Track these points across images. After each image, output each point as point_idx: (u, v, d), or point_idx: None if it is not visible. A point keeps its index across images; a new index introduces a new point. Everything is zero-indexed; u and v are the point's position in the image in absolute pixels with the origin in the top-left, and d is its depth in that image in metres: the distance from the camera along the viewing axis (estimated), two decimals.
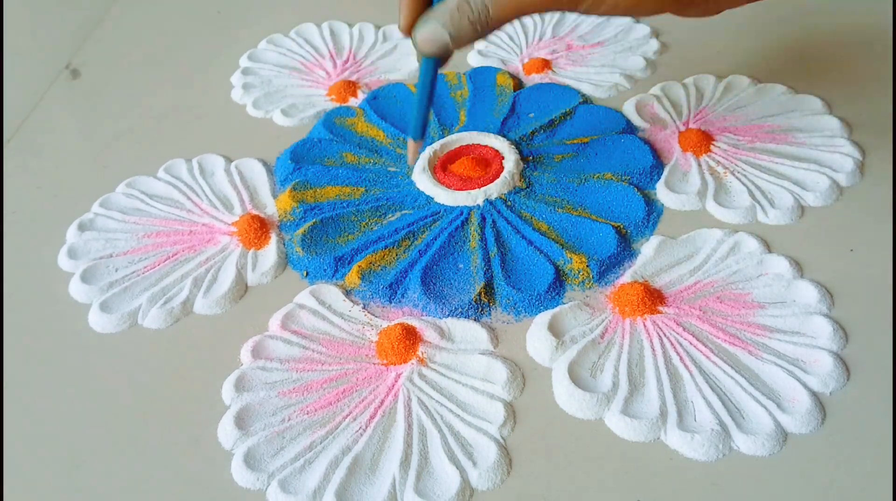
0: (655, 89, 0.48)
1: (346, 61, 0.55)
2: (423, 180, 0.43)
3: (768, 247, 0.38)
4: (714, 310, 0.35)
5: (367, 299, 0.38)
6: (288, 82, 0.53)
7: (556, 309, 0.36)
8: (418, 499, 0.29)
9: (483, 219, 0.40)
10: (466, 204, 0.41)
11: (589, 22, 0.55)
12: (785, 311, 0.35)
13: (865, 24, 0.52)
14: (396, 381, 0.34)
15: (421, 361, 0.34)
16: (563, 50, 0.53)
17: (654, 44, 0.52)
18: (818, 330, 0.34)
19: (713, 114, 0.46)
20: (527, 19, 0.56)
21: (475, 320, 0.36)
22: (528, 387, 0.33)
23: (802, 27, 0.52)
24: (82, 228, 0.43)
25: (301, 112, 0.50)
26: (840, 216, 0.39)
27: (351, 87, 0.51)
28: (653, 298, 0.35)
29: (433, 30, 0.33)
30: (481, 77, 0.51)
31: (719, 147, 0.44)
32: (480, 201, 0.41)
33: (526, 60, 0.52)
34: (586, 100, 0.48)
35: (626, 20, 0.54)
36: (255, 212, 0.43)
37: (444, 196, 0.42)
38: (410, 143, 0.38)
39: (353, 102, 0.50)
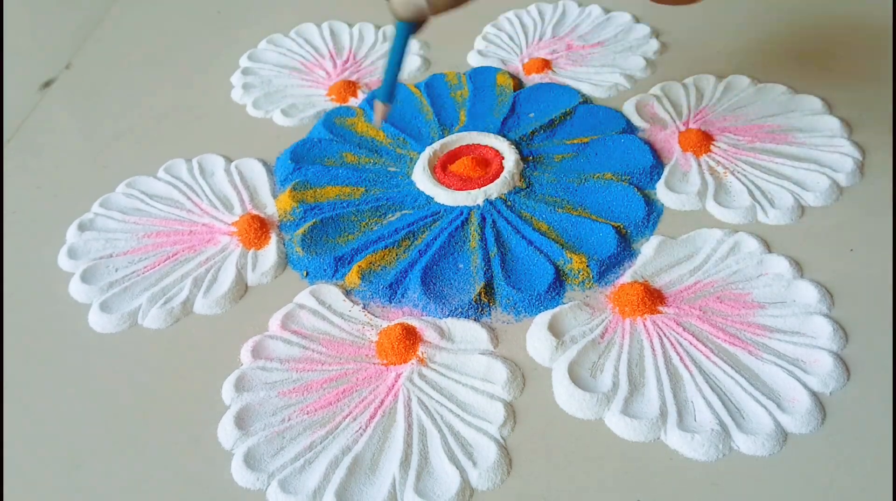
0: (655, 89, 0.48)
1: (346, 61, 0.55)
2: (423, 180, 0.43)
3: (768, 247, 0.38)
4: (714, 310, 0.35)
5: (367, 299, 0.38)
6: (288, 82, 0.53)
7: (556, 309, 0.36)
8: (418, 499, 0.29)
9: (483, 219, 0.40)
10: (466, 204, 0.41)
11: (589, 22, 0.55)
12: (785, 311, 0.35)
13: (865, 25, 0.52)
14: (396, 381, 0.34)
15: (421, 361, 0.34)
16: (563, 50, 0.53)
17: (654, 44, 0.52)
18: (818, 330, 0.34)
19: (713, 114, 0.46)
20: (527, 19, 0.56)
21: (475, 320, 0.36)
22: (528, 387, 0.33)
23: (802, 27, 0.52)
24: (82, 228, 0.43)
25: (301, 112, 0.50)
26: (840, 216, 0.39)
27: (351, 87, 0.51)
28: (653, 298, 0.35)
29: None
30: (481, 77, 0.51)
31: (719, 147, 0.44)
32: (480, 201, 0.41)
33: (526, 60, 0.52)
34: (586, 100, 0.48)
35: (627, 20, 0.54)
36: (255, 212, 0.43)
37: (444, 196, 0.42)
38: (377, 104, 0.38)
39: (353, 102, 0.50)
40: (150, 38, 0.61)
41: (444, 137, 0.46)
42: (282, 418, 0.33)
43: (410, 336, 0.35)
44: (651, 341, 0.34)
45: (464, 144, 0.45)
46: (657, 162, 0.43)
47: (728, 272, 0.37)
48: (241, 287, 0.39)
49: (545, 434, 0.31)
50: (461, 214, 0.41)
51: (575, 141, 0.45)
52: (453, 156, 0.44)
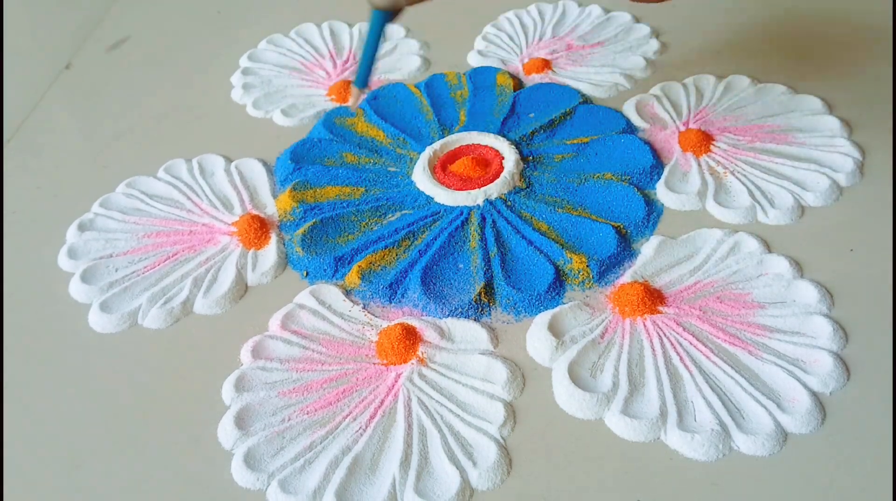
0: (655, 89, 0.48)
1: (346, 61, 0.55)
2: (423, 180, 0.43)
3: (768, 247, 0.38)
4: (714, 310, 0.35)
5: (367, 299, 0.38)
6: (288, 82, 0.53)
7: (556, 309, 0.36)
8: (418, 499, 0.29)
9: (483, 219, 0.40)
10: (466, 204, 0.41)
11: (589, 22, 0.55)
12: (785, 311, 0.35)
13: (866, 25, 0.52)
14: (396, 381, 0.34)
15: (421, 361, 0.34)
16: (563, 50, 0.53)
17: (654, 44, 0.52)
18: (818, 330, 0.34)
19: (713, 114, 0.46)
20: (527, 19, 0.56)
21: (475, 320, 0.36)
22: (528, 387, 0.33)
23: (803, 27, 0.52)
24: (82, 228, 0.43)
25: (301, 112, 0.50)
26: (840, 216, 0.39)
27: (350, 86, 0.51)
28: (653, 298, 0.35)
29: None
30: (481, 77, 0.51)
31: (719, 147, 0.44)
32: (480, 201, 0.41)
33: (526, 60, 0.52)
34: (586, 100, 0.48)
35: (627, 20, 0.54)
36: (255, 212, 0.43)
37: (444, 196, 0.42)
38: (353, 89, 0.39)
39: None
40: (150, 38, 0.61)
41: (444, 137, 0.46)
42: (282, 418, 0.33)
43: (410, 336, 0.35)
44: (651, 341, 0.34)
45: (464, 144, 0.45)
46: (657, 162, 0.43)
47: (728, 272, 0.37)
48: (241, 287, 0.39)
49: (545, 434, 0.31)
50: (461, 214, 0.41)
51: (575, 141, 0.45)
52: (453, 156, 0.44)
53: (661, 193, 0.41)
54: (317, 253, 0.39)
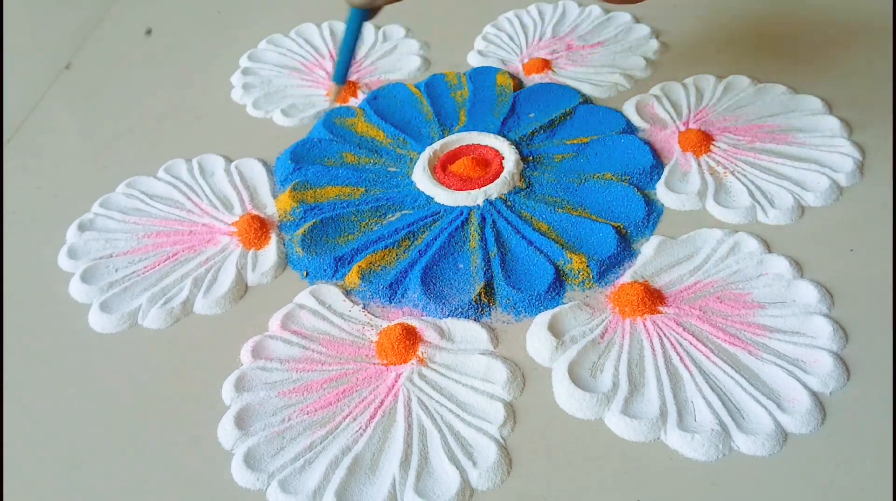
0: (655, 89, 0.48)
1: None
2: (423, 180, 0.43)
3: (768, 247, 0.38)
4: (714, 310, 0.35)
5: (367, 299, 0.38)
6: (288, 82, 0.53)
7: (556, 309, 0.36)
8: (418, 499, 0.29)
9: (483, 219, 0.40)
10: (466, 204, 0.41)
11: (589, 22, 0.55)
12: (785, 311, 0.35)
13: (866, 25, 0.52)
14: (396, 381, 0.34)
15: (421, 361, 0.34)
16: (563, 50, 0.53)
17: (654, 44, 0.52)
18: (818, 330, 0.34)
19: (713, 114, 0.46)
20: (527, 19, 0.56)
21: (475, 320, 0.36)
22: (528, 387, 0.33)
23: (803, 27, 0.52)
24: (82, 228, 0.43)
25: (301, 112, 0.50)
26: (840, 216, 0.39)
27: (351, 87, 0.51)
28: (653, 298, 0.35)
29: None
30: (481, 77, 0.51)
31: (719, 147, 0.44)
32: (480, 201, 0.41)
33: (526, 60, 0.52)
34: (586, 100, 0.48)
35: (627, 20, 0.54)
36: (255, 212, 0.43)
37: (444, 196, 0.42)
38: (332, 85, 0.40)
39: (353, 102, 0.50)
40: (150, 38, 0.61)
41: (444, 138, 0.46)
42: (282, 418, 0.33)
43: (410, 336, 0.35)
44: (651, 341, 0.34)
45: (464, 144, 0.45)
46: (657, 162, 0.43)
47: (728, 272, 0.37)
48: (241, 287, 0.39)
49: (545, 434, 0.31)
50: (461, 214, 0.41)
51: (575, 141, 0.45)
52: (453, 156, 0.44)
53: (661, 193, 0.41)
54: (317, 253, 0.39)
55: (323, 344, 0.36)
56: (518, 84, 0.50)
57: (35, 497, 0.31)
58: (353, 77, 0.53)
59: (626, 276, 0.37)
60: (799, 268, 0.37)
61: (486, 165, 0.43)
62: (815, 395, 0.31)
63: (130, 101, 0.54)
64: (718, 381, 0.32)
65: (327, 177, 0.44)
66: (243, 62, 0.56)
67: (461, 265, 0.38)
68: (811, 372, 0.32)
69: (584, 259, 0.37)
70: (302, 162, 0.45)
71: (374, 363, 0.35)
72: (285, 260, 0.40)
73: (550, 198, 0.42)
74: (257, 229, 0.41)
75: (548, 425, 0.32)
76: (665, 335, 0.34)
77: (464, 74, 0.51)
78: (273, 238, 0.41)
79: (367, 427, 0.32)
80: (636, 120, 0.46)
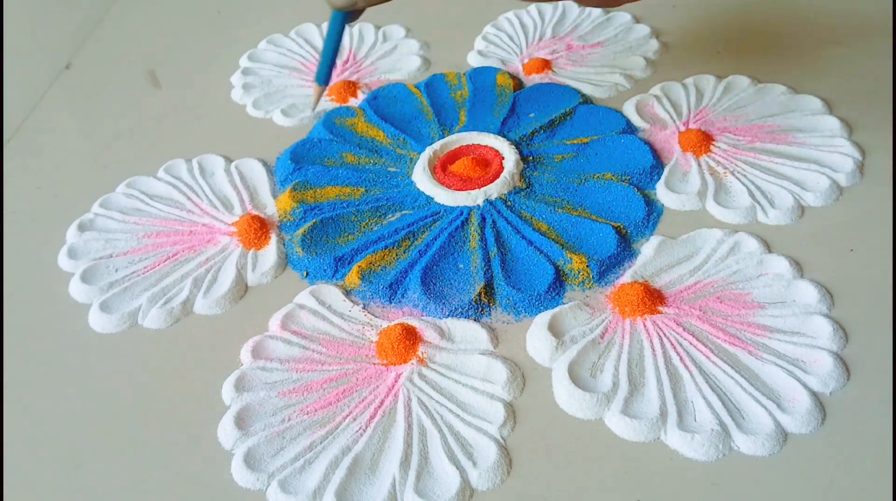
0: (655, 89, 0.48)
1: (346, 61, 0.55)
2: (423, 181, 0.43)
3: (768, 247, 0.38)
4: (714, 310, 0.35)
5: (367, 300, 0.38)
6: (288, 82, 0.53)
7: (556, 309, 0.36)
8: (418, 499, 0.29)
9: (483, 219, 0.40)
10: (466, 204, 0.41)
11: (589, 21, 0.55)
12: (785, 311, 0.35)
13: (866, 25, 0.52)
14: (396, 381, 0.34)
15: (421, 361, 0.34)
16: (563, 50, 0.53)
17: (654, 44, 0.52)
18: (818, 330, 0.34)
19: (713, 114, 0.46)
20: (527, 19, 0.56)
21: (475, 320, 0.36)
22: (528, 387, 0.33)
23: (803, 28, 0.52)
24: (82, 228, 0.43)
25: (301, 112, 0.50)
26: (840, 216, 0.39)
27: (351, 87, 0.51)
28: (653, 298, 0.35)
29: None
30: (481, 77, 0.51)
31: (719, 147, 0.44)
32: (480, 202, 0.41)
33: (526, 60, 0.52)
34: (586, 100, 0.48)
35: (627, 20, 0.54)
36: (255, 212, 0.43)
37: (444, 196, 0.42)
38: (315, 87, 0.40)
39: (353, 102, 0.50)
40: (150, 39, 0.61)
41: (444, 138, 0.46)
42: (282, 418, 0.33)
43: (410, 336, 0.35)
44: (651, 341, 0.34)
45: (464, 144, 0.45)
46: (657, 162, 0.43)
47: (728, 272, 0.37)
48: (241, 287, 0.39)
49: (545, 434, 0.31)
50: (461, 214, 0.41)
51: (575, 141, 0.45)
52: (453, 156, 0.44)
53: (661, 193, 0.41)
54: (317, 253, 0.39)
55: (323, 344, 0.36)
56: (518, 84, 0.50)
57: (35, 497, 0.31)
58: (353, 77, 0.53)
59: (626, 276, 0.37)
60: (799, 268, 0.37)
61: (486, 166, 0.43)
62: (815, 395, 0.31)
63: (130, 101, 0.54)
64: (718, 381, 0.32)
65: (327, 177, 0.44)
66: (243, 62, 0.56)
67: (461, 265, 0.38)
68: (811, 372, 0.32)
69: (584, 259, 0.37)
70: (302, 162, 0.45)
71: (374, 363, 0.35)
72: (285, 260, 0.40)
73: (550, 198, 0.42)
74: (257, 229, 0.41)
75: (548, 425, 0.32)
76: (665, 335, 0.34)
77: (464, 74, 0.51)
78: (273, 238, 0.41)
79: (367, 427, 0.32)
80: (636, 120, 0.46)
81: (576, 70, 0.51)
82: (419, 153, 0.45)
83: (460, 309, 0.36)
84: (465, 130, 0.46)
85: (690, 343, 0.34)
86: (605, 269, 0.37)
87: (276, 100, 0.52)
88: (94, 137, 0.51)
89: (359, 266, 0.38)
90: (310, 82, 0.53)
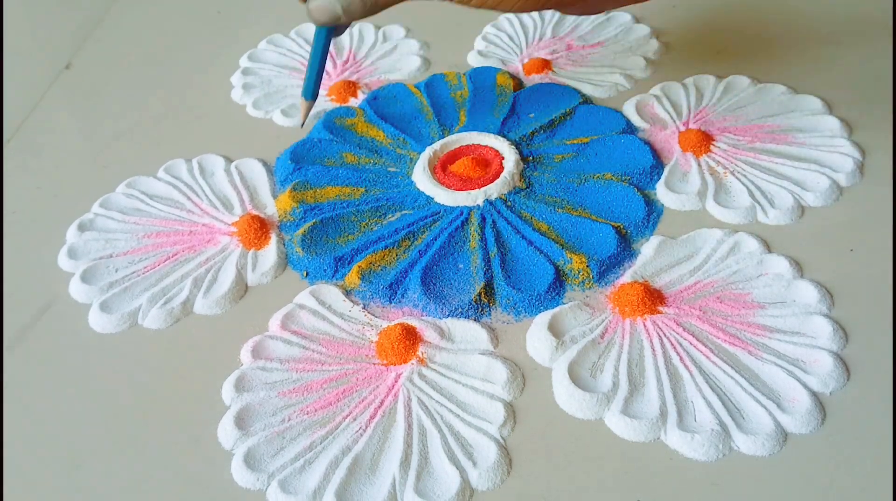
0: (655, 89, 0.48)
1: (346, 61, 0.55)
2: (423, 181, 0.43)
3: (768, 247, 0.38)
4: (714, 310, 0.35)
5: (367, 300, 0.38)
6: (288, 82, 0.53)
7: (556, 309, 0.36)
8: (418, 499, 0.29)
9: (483, 219, 0.40)
10: (466, 204, 0.41)
11: (589, 22, 0.55)
12: (785, 311, 0.35)
13: (866, 25, 0.52)
14: (396, 381, 0.34)
15: (421, 361, 0.34)
16: (563, 50, 0.53)
17: (654, 44, 0.52)
18: (818, 330, 0.34)
19: (713, 114, 0.46)
20: (527, 19, 0.56)
21: (475, 320, 0.36)
22: (528, 387, 0.33)
23: (802, 28, 0.52)
24: (82, 228, 0.43)
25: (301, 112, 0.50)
26: (840, 216, 0.39)
27: (351, 87, 0.51)
28: (653, 298, 0.35)
29: (327, 1, 0.35)
30: (481, 77, 0.51)
31: (719, 147, 0.44)
32: (480, 202, 0.41)
33: (526, 60, 0.52)
34: (586, 100, 0.48)
35: (627, 20, 0.54)
36: (255, 212, 0.43)
37: (444, 196, 0.42)
38: (302, 102, 0.41)
39: (353, 102, 0.50)
40: (150, 38, 0.61)
41: (444, 138, 0.46)
42: (282, 418, 0.33)
43: (410, 336, 0.35)
44: (651, 341, 0.34)
45: (464, 144, 0.45)
46: (657, 162, 0.43)
47: (728, 272, 0.37)
48: (241, 287, 0.39)
49: (545, 434, 0.31)
50: (461, 214, 0.41)
51: (575, 141, 0.45)
52: (453, 156, 0.44)
53: (661, 193, 0.41)
54: (317, 253, 0.39)
55: (323, 344, 0.36)
56: (518, 84, 0.50)
57: (35, 497, 0.31)
58: (353, 77, 0.53)
59: (626, 276, 0.37)
60: (799, 268, 0.37)
61: (486, 166, 0.43)
62: (815, 395, 0.31)
63: (130, 101, 0.54)
64: (718, 381, 0.32)
65: (327, 177, 0.44)
66: (243, 62, 0.56)
67: (461, 265, 0.38)
68: (811, 372, 0.32)
69: (584, 259, 0.37)
70: (302, 162, 0.45)
71: (374, 364, 0.35)
72: (285, 260, 0.40)
73: (550, 198, 0.42)
74: (257, 229, 0.41)
75: (548, 425, 0.32)
76: (665, 335, 0.34)
77: (464, 74, 0.51)
78: (273, 238, 0.41)
79: (367, 427, 0.32)
80: (636, 120, 0.46)
81: (576, 70, 0.51)
82: (419, 153, 0.45)
83: (460, 309, 0.36)
84: (465, 130, 0.46)
85: (690, 343, 0.34)
86: (605, 269, 0.37)
87: (276, 100, 0.52)
88: (94, 137, 0.51)
89: (359, 266, 0.38)
90: None
